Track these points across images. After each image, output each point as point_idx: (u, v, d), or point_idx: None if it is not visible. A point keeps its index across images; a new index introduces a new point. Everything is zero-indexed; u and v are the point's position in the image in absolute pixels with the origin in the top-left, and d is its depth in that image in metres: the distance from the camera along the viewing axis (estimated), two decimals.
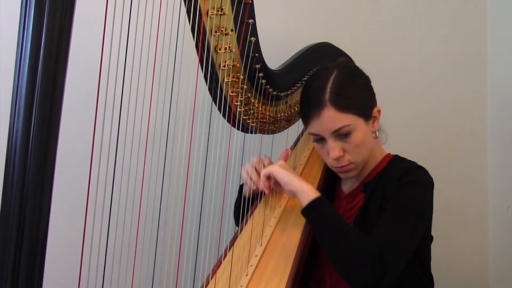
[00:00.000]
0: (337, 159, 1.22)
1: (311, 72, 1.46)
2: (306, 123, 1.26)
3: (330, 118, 1.19)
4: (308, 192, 1.16)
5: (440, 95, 2.08)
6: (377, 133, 1.29)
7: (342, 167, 1.24)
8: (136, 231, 1.06)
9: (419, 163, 1.30)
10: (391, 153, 1.35)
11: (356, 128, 1.20)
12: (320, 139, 1.24)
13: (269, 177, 1.26)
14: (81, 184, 0.89)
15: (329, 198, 1.39)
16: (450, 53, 2.10)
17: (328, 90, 1.20)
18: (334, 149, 1.21)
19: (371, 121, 1.26)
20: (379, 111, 1.28)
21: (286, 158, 1.39)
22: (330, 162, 1.26)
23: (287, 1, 1.92)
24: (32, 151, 0.71)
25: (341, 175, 1.30)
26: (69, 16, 0.71)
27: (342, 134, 1.20)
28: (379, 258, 1.06)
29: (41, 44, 0.69)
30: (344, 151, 1.22)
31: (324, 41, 1.54)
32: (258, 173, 1.33)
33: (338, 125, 1.19)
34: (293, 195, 1.21)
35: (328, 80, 1.21)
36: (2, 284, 0.71)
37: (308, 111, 1.23)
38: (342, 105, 1.18)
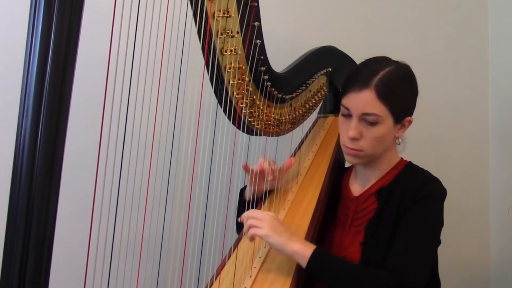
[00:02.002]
0: (353, 139, 1.24)
1: (315, 76, 1.47)
2: (344, 92, 1.27)
3: (367, 99, 1.20)
4: (301, 253, 1.14)
5: (441, 95, 2.08)
6: (399, 140, 1.30)
7: (352, 149, 1.26)
8: (142, 231, 1.07)
9: (420, 163, 1.32)
10: (404, 159, 1.35)
11: (383, 122, 1.22)
12: (347, 115, 1.25)
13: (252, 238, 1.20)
14: (88, 184, 0.90)
15: (335, 199, 1.39)
16: (452, 53, 2.10)
17: (379, 76, 1.21)
18: (354, 129, 1.23)
19: (398, 126, 1.27)
20: (410, 122, 1.29)
21: (288, 167, 1.40)
22: (344, 139, 1.28)
23: (292, 4, 1.93)
24: (40, 150, 0.72)
25: (347, 157, 1.31)
26: (78, 16, 0.72)
27: (368, 120, 1.22)
28: (396, 286, 1.10)
29: (50, 44, 0.70)
30: (362, 136, 1.24)
31: (328, 43, 1.55)
32: (262, 176, 1.35)
33: (369, 110, 1.21)
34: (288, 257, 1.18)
35: (384, 68, 1.23)
36: (9, 282, 0.72)
37: (351, 83, 1.24)
38: (383, 95, 1.20)
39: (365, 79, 1.22)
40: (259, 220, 1.17)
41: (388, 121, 1.23)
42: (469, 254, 2.10)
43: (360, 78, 1.23)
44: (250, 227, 1.18)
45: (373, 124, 1.22)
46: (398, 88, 1.24)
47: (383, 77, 1.21)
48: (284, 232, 1.17)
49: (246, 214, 1.21)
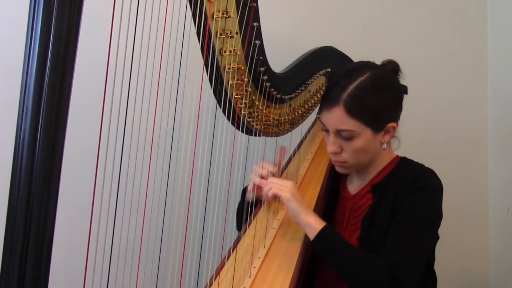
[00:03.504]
0: (333, 154, 1.27)
1: (315, 76, 1.47)
2: (319, 110, 1.31)
3: (337, 117, 1.21)
4: (313, 225, 1.18)
5: (441, 97, 2.09)
6: (385, 145, 1.29)
7: (336, 161, 1.29)
8: (141, 231, 1.07)
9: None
10: (399, 155, 1.36)
11: (359, 135, 1.22)
12: (326, 130, 1.28)
13: (275, 196, 1.25)
14: (87, 184, 0.90)
15: (333, 199, 1.40)
16: (451, 55, 2.11)
17: (348, 91, 1.21)
18: (331, 144, 1.26)
19: (381, 133, 1.26)
20: (394, 128, 1.27)
21: (282, 156, 1.41)
22: (328, 152, 1.31)
23: (291, 4, 1.93)
24: (39, 150, 0.72)
25: (337, 169, 1.34)
26: (77, 17, 0.72)
27: (343, 136, 1.23)
28: (392, 278, 1.10)
29: (49, 44, 0.70)
30: (342, 149, 1.26)
31: (327, 43, 1.55)
32: (263, 177, 1.35)
33: (341, 127, 1.22)
34: (299, 225, 1.22)
35: (355, 81, 1.22)
36: (9, 282, 0.72)
37: (323, 100, 1.27)
38: (353, 111, 1.20)
39: (335, 97, 1.22)
40: (281, 184, 1.24)
41: (366, 133, 1.22)
42: (469, 255, 2.10)
43: (330, 96, 1.23)
44: (271, 188, 1.24)
45: (349, 139, 1.22)
46: (369, 100, 1.21)
47: (352, 92, 1.20)
48: (302, 202, 1.23)
49: (268, 180, 1.27)
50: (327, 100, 1.25)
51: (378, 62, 1.37)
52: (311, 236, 1.18)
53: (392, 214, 1.22)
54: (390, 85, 1.27)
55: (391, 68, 1.33)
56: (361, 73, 1.24)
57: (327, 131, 1.27)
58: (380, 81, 1.25)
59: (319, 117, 1.69)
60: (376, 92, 1.23)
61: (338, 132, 1.23)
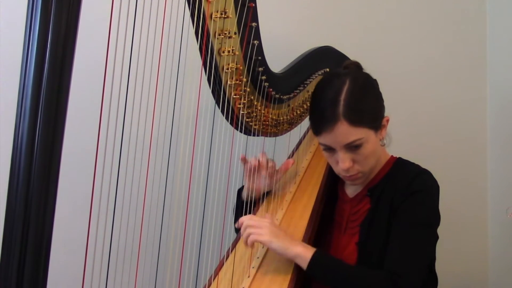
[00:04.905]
0: (347, 169, 1.23)
1: (313, 76, 1.47)
2: (317, 133, 1.24)
3: (343, 132, 1.18)
4: (303, 255, 1.15)
5: (440, 98, 2.09)
6: (384, 141, 1.30)
7: (350, 176, 1.25)
8: (140, 231, 1.07)
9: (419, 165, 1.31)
10: (394, 156, 1.35)
11: (367, 141, 1.20)
12: (330, 149, 1.23)
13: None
14: (86, 185, 0.89)
15: (332, 201, 1.40)
16: (450, 56, 2.11)
17: (341, 103, 1.17)
18: (344, 160, 1.21)
19: (379, 131, 1.26)
20: (387, 120, 1.28)
21: (286, 169, 1.41)
22: (338, 171, 1.27)
23: (290, 4, 1.93)
24: (37, 152, 0.71)
25: (348, 182, 1.31)
26: (75, 18, 0.72)
27: (353, 146, 1.19)
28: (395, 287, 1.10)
29: (47, 45, 0.70)
30: (354, 161, 1.22)
31: (326, 44, 1.55)
32: (259, 172, 1.37)
33: (350, 139, 1.18)
34: (291, 259, 1.18)
35: (341, 91, 1.19)
36: (7, 282, 0.71)
37: (320, 123, 1.21)
38: (355, 120, 1.17)
39: (331, 114, 1.17)
40: (258, 227, 1.17)
41: (371, 135, 1.21)
42: (468, 255, 2.10)
43: (327, 115, 1.18)
44: (249, 234, 1.17)
45: (359, 146, 1.20)
46: (363, 103, 1.21)
47: (345, 101, 1.17)
48: (284, 236, 1.18)
49: (243, 222, 1.20)
50: (323, 121, 1.19)
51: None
52: (304, 265, 1.14)
53: (390, 217, 1.21)
54: (371, 83, 1.28)
55: (357, 67, 1.34)
56: (341, 81, 1.22)
57: (330, 150, 1.23)
58: (362, 81, 1.25)
59: None
60: (365, 94, 1.23)
61: (347, 146, 1.19)
